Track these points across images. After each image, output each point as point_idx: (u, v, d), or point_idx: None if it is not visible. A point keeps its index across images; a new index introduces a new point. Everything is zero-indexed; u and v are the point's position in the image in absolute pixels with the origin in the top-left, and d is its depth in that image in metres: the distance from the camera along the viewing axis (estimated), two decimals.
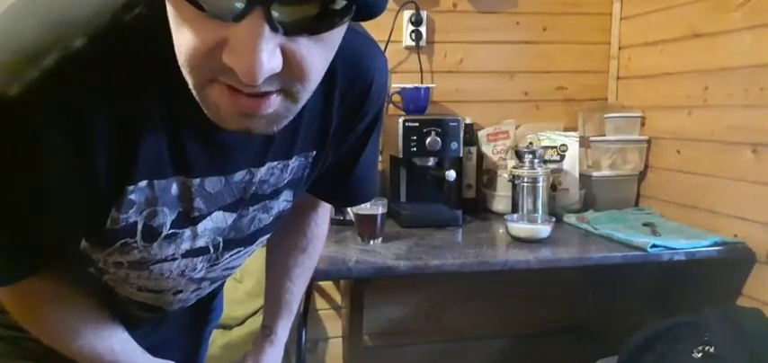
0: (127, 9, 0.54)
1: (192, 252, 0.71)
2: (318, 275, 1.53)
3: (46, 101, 0.51)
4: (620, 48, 2.19)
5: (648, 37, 2.04)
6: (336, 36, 0.52)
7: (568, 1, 2.19)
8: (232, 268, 0.81)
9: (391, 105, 2.03)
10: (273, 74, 0.47)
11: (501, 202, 2.01)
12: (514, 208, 1.82)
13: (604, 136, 2.07)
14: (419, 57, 2.10)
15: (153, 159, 0.60)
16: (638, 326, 1.64)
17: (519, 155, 1.87)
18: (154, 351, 0.82)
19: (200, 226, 0.69)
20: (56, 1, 0.54)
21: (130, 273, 0.70)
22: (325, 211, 0.98)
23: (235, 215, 0.72)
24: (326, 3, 0.47)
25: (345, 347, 2.09)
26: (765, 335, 1.43)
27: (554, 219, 1.71)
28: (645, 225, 1.80)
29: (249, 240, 0.77)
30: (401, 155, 1.85)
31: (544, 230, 1.67)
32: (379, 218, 1.63)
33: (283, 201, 0.76)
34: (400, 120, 1.82)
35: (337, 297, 2.19)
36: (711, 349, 1.43)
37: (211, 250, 0.73)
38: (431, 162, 1.90)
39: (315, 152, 0.75)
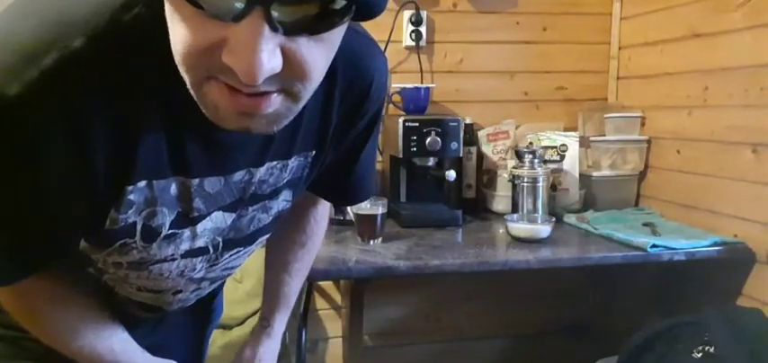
0: (126, 9, 0.54)
1: (192, 253, 0.71)
2: (318, 275, 1.54)
3: (45, 100, 0.51)
4: (620, 48, 2.19)
5: (648, 37, 2.03)
6: (337, 36, 0.52)
7: (568, 1, 2.19)
8: (232, 268, 0.81)
9: (391, 105, 2.03)
10: (273, 74, 0.47)
11: (501, 202, 2.01)
12: (514, 208, 1.82)
13: (604, 136, 2.07)
14: (419, 57, 2.10)
15: (152, 159, 0.60)
16: (638, 326, 1.63)
17: (519, 155, 1.87)
18: (154, 351, 0.82)
19: (200, 227, 0.69)
20: (55, 1, 0.54)
21: (130, 273, 0.70)
22: (324, 208, 0.99)
23: (234, 215, 0.72)
24: (326, 3, 0.47)
25: (345, 347, 2.09)
26: (765, 335, 1.43)
27: (554, 219, 1.71)
28: (645, 225, 1.80)
29: (249, 240, 0.77)
30: (401, 155, 1.84)
31: (544, 230, 1.67)
32: (379, 218, 1.63)
33: (283, 201, 0.76)
34: (400, 120, 1.82)
35: (337, 297, 2.19)
36: (711, 350, 1.43)
37: (211, 250, 0.73)
38: (431, 162, 1.90)
39: (314, 152, 0.75)
